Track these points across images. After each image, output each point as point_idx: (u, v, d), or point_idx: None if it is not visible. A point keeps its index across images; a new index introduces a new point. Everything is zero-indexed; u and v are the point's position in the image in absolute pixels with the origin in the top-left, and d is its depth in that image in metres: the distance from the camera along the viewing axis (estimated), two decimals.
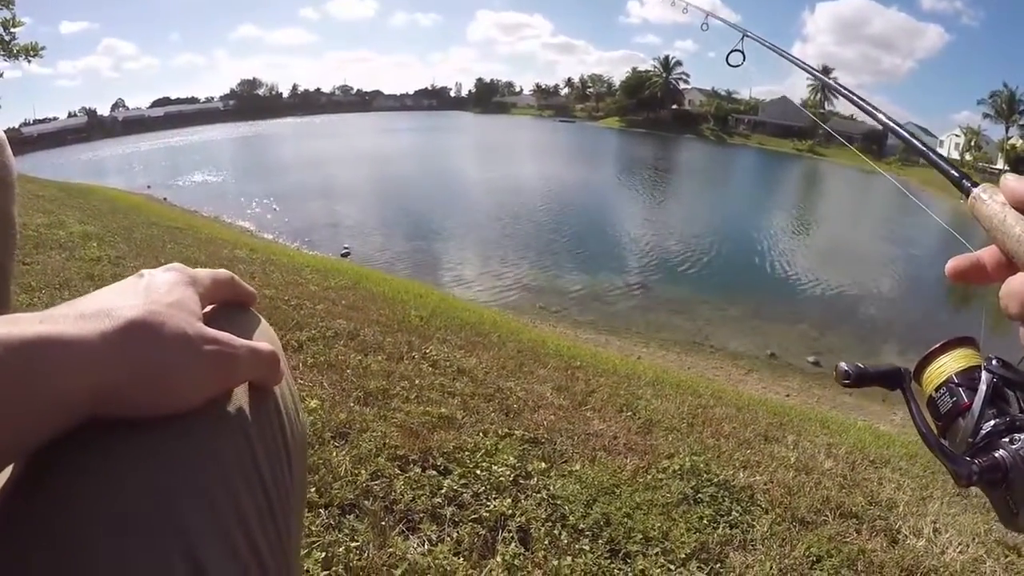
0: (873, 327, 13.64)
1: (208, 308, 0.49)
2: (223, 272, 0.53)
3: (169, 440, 0.40)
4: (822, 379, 9.98)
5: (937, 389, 0.61)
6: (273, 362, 0.48)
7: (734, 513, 2.39)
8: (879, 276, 18.04)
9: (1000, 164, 58.02)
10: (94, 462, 0.37)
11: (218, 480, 0.41)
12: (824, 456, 3.37)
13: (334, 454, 2.18)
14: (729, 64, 1.43)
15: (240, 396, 0.45)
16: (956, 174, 0.57)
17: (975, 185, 0.53)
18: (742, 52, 1.41)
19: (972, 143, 62.68)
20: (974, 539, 2.52)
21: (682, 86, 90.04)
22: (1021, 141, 58.46)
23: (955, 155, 63.31)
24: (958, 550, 2.43)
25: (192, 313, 0.44)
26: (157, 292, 0.44)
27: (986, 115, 63.16)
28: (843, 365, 0.66)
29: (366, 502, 1.96)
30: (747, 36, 1.37)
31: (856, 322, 13.88)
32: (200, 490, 0.40)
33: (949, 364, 0.61)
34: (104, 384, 0.37)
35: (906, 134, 0.67)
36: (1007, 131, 61.20)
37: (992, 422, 0.56)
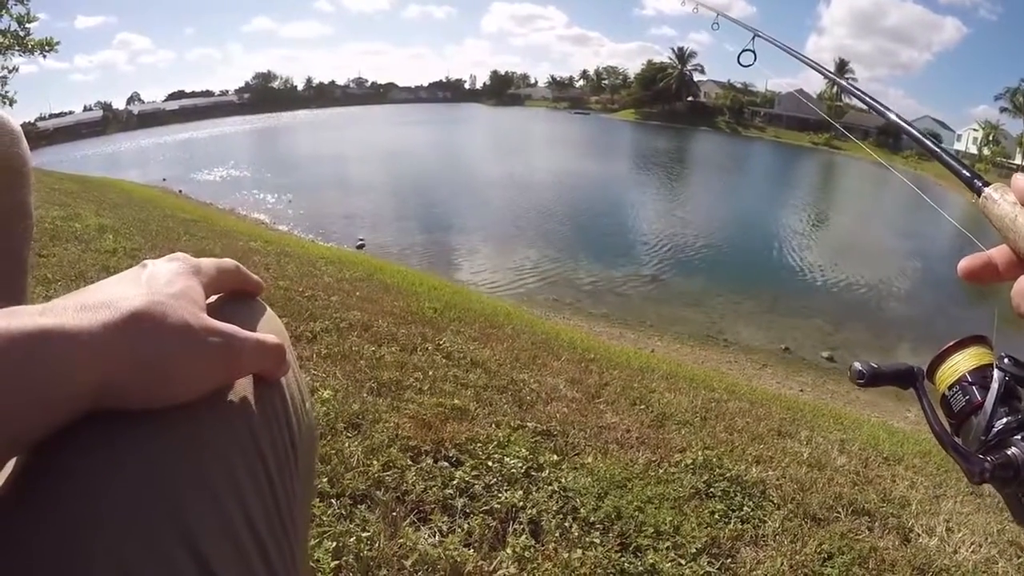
0: (888, 322, 13.55)
1: (213, 298, 0.49)
2: (228, 261, 0.52)
3: (171, 430, 0.40)
4: (836, 375, 9.93)
5: (950, 387, 0.62)
6: (279, 354, 0.47)
7: (746, 508, 2.38)
8: (894, 271, 17.89)
9: (1018, 159, 57.34)
10: (96, 453, 0.37)
11: (220, 471, 0.41)
12: (837, 452, 3.36)
13: (346, 444, 2.19)
14: (741, 64, 1.42)
15: (245, 387, 0.45)
16: (968, 173, 0.57)
17: (986, 184, 0.53)
18: (753, 52, 1.40)
19: (990, 138, 61.91)
20: (987, 539, 2.50)
21: (697, 78, 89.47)
22: None
23: (973, 149, 62.63)
24: (971, 549, 2.41)
25: (195, 303, 0.43)
26: (160, 282, 0.43)
27: (1004, 109, 62.35)
28: (857, 365, 0.66)
29: (378, 492, 1.96)
30: (758, 36, 1.37)
31: (871, 317, 13.80)
32: (202, 480, 0.40)
33: (962, 362, 0.62)
34: (107, 375, 0.36)
35: (917, 133, 0.68)
36: None
37: (1004, 420, 0.56)
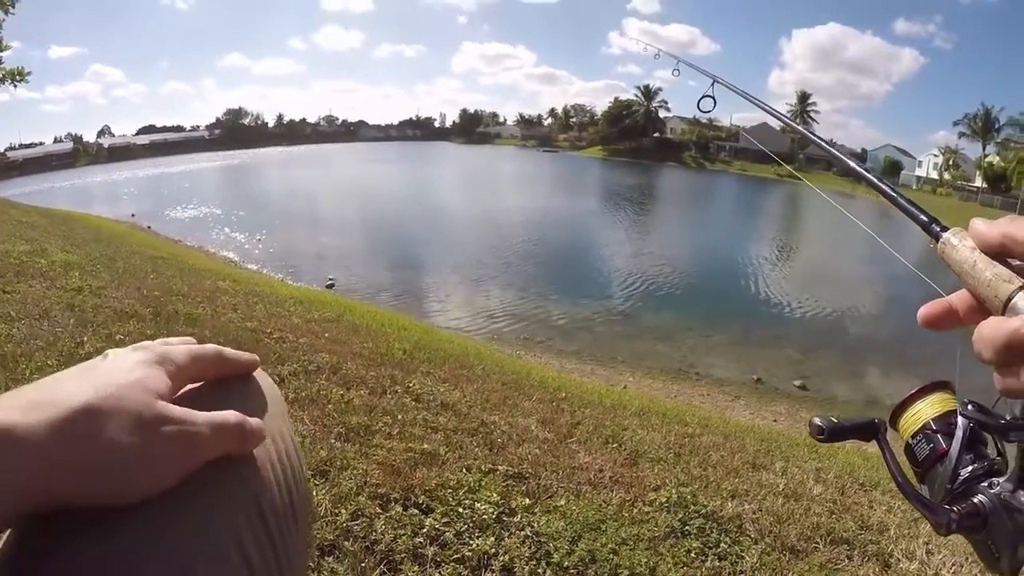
0: (857, 348, 13.76)
1: (190, 387, 0.48)
2: (208, 348, 0.51)
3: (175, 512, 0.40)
4: (809, 403, 10.02)
5: (914, 436, 0.61)
6: (239, 433, 0.46)
7: (722, 545, 2.37)
8: (861, 298, 18.21)
9: (978, 182, 59.35)
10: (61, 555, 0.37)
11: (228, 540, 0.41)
12: (813, 481, 3.35)
13: (314, 493, 2.14)
14: (700, 110, 1.47)
15: (208, 472, 0.44)
16: (925, 218, 0.56)
17: (944, 229, 0.53)
18: (713, 98, 1.44)
19: (950, 162, 64.04)
20: (967, 558, 2.50)
21: (663, 114, 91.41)
22: (998, 159, 59.75)
23: (934, 175, 64.75)
24: (952, 571, 2.42)
25: (151, 392, 0.42)
26: (115, 375, 0.42)
27: (962, 134, 64.64)
28: (817, 420, 0.66)
29: (346, 543, 1.92)
30: (717, 81, 1.40)
31: (841, 345, 14.01)
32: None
33: (925, 410, 0.61)
34: (53, 475, 0.36)
35: (873, 178, 0.69)
36: (984, 149, 62.57)
37: (970, 467, 0.55)
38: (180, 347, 0.49)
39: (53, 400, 0.38)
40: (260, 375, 0.56)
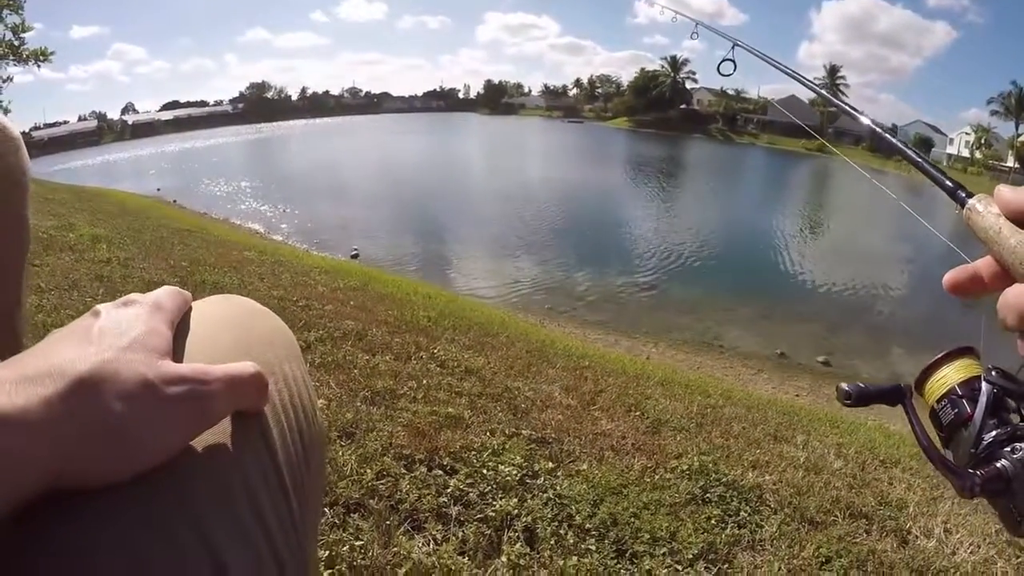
0: (883, 326, 13.58)
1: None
2: (171, 290, 0.48)
3: (148, 497, 0.36)
4: (832, 379, 9.92)
5: (939, 401, 0.62)
6: (257, 384, 0.43)
7: (743, 513, 2.37)
8: (888, 274, 17.92)
9: (1011, 161, 57.96)
10: (62, 534, 0.34)
11: (238, 487, 0.40)
12: (834, 456, 3.35)
13: (340, 453, 2.18)
14: (720, 73, 1.44)
15: (222, 426, 0.41)
16: (950, 184, 0.56)
17: (970, 195, 0.53)
18: (733, 61, 1.41)
19: (983, 141, 62.56)
20: (985, 539, 2.49)
21: (690, 85, 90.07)
22: None
23: (965, 153, 63.29)
24: (969, 551, 2.40)
25: (153, 351, 0.39)
26: (111, 335, 0.39)
27: (995, 112, 63.06)
28: (844, 385, 0.67)
29: (371, 501, 1.95)
30: (738, 45, 1.37)
31: (866, 321, 13.82)
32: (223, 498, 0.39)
33: (950, 375, 0.62)
34: (56, 460, 0.33)
35: (899, 144, 0.68)
36: (1017, 128, 61.01)
37: (994, 432, 0.56)
38: (163, 294, 0.46)
39: (50, 371, 0.34)
40: (269, 316, 0.55)
